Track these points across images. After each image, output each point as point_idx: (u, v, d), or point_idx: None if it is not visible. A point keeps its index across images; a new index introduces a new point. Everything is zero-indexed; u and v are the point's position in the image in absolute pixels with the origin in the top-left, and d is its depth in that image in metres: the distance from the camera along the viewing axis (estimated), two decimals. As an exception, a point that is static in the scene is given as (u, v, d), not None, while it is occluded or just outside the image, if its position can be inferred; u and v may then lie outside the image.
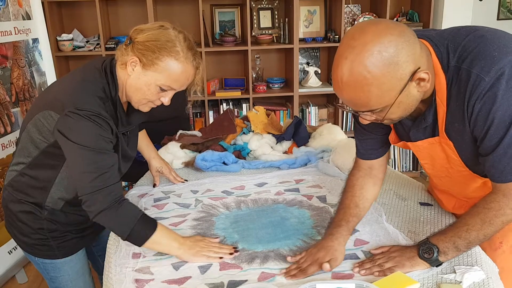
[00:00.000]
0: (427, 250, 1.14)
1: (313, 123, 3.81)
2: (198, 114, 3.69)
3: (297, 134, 2.04)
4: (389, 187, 1.68)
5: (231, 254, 1.27)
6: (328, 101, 3.97)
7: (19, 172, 1.36)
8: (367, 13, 3.72)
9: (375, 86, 0.95)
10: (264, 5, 3.70)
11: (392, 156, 3.93)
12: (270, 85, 3.75)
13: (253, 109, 2.19)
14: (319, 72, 3.84)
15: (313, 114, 3.81)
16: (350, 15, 3.75)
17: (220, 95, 3.61)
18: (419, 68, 0.97)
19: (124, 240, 1.25)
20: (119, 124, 1.31)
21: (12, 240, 1.66)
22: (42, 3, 3.12)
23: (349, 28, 3.67)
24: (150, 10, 3.37)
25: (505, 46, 1.01)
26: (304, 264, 1.20)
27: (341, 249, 1.23)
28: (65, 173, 1.33)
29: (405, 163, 3.99)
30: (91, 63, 1.33)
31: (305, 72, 3.82)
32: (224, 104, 3.68)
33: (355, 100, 1.00)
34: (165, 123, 3.00)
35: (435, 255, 1.13)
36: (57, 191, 1.36)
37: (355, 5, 3.75)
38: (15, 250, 2.51)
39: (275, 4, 3.71)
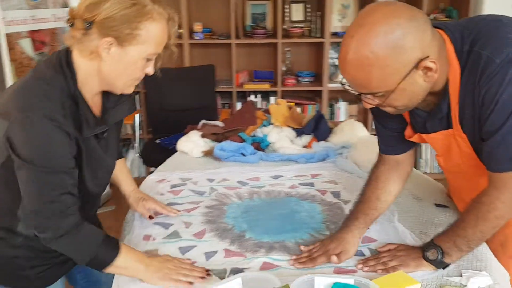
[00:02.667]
0: (431, 252, 1.12)
1: (342, 119, 3.77)
2: (226, 105, 3.73)
3: (318, 128, 2.04)
4: (406, 186, 1.65)
5: (202, 278, 1.12)
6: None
7: None
8: (402, 9, 3.63)
9: (377, 67, 0.93)
10: (297, -2, 3.68)
11: (424, 156, 3.85)
12: (300, 79, 3.74)
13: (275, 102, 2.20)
14: (350, 67, 3.79)
15: (342, 110, 3.77)
16: (385, 10, 3.67)
17: (248, 87, 3.63)
18: (427, 57, 0.95)
19: (85, 264, 1.10)
20: (84, 126, 1.06)
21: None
22: (80, -9, 3.22)
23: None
24: (183, 1, 3.42)
25: None
26: (315, 254, 1.20)
27: (354, 242, 1.23)
28: None
29: (436, 164, 3.89)
30: (46, 59, 1.11)
31: (336, 67, 3.78)
32: (252, 96, 3.69)
33: (356, 80, 0.99)
34: (192, 112, 3.07)
35: (439, 256, 1.11)
36: None
37: None
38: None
39: (309, -3, 3.68)
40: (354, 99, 3.91)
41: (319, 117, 2.04)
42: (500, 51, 0.95)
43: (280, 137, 2.02)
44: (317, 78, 3.78)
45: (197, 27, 3.55)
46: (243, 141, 2.00)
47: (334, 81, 3.69)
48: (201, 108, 3.24)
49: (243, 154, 1.93)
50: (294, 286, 1.02)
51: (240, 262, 1.20)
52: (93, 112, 1.11)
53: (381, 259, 1.17)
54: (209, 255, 1.25)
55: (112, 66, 1.05)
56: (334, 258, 1.17)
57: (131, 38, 1.02)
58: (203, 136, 2.01)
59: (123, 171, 1.47)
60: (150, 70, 1.10)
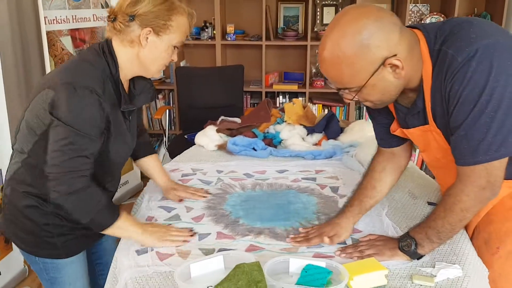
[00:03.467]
0: (406, 242, 1.18)
1: (369, 121, 3.78)
2: (256, 104, 3.83)
3: (329, 127, 2.10)
4: (405, 184, 1.69)
5: (191, 236, 1.33)
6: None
7: (20, 163, 1.29)
8: (435, 13, 3.61)
9: (346, 65, 1.02)
10: (329, 1, 3.73)
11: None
12: (328, 81, 3.79)
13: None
14: (380, 71, 3.79)
15: (370, 113, 3.78)
16: (418, 14, 3.66)
17: (277, 87, 3.72)
18: (394, 55, 1.02)
19: (84, 223, 1.24)
20: (122, 102, 1.28)
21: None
22: (121, -7, 3.43)
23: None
24: (217, 3, 3.56)
25: (486, 31, 1.03)
26: (310, 235, 1.31)
27: (347, 226, 1.32)
28: None
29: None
30: (89, 47, 1.31)
31: (366, 71, 3.80)
32: (281, 97, 3.78)
33: (331, 77, 1.08)
34: (220, 110, 3.19)
35: (413, 247, 1.16)
36: None
37: (423, 4, 3.65)
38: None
39: (340, 1, 3.73)
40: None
41: (330, 116, 2.10)
42: (463, 50, 1.00)
43: (292, 134, 2.10)
44: (346, 80, 3.81)
45: (230, 28, 3.68)
46: (255, 136, 2.10)
47: (363, 84, 3.72)
48: (229, 106, 3.36)
49: (254, 149, 2.03)
50: (270, 265, 1.10)
51: (228, 244, 1.30)
52: (127, 95, 1.32)
53: (358, 247, 1.24)
54: (202, 236, 1.35)
55: (149, 52, 1.27)
56: (326, 239, 1.28)
57: (165, 28, 1.25)
58: (218, 131, 2.13)
59: (156, 165, 1.63)
60: (175, 57, 1.33)
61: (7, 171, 1.36)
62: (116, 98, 1.27)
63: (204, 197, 1.60)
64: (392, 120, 1.32)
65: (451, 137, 1.09)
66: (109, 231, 1.27)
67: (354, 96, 1.10)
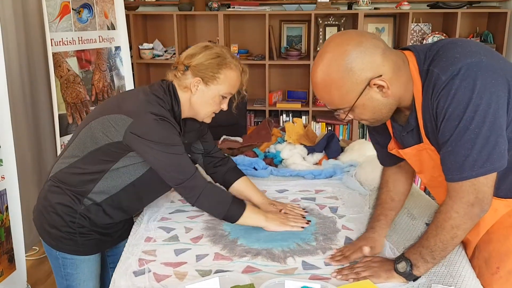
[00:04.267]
0: (401, 264, 1.18)
1: (373, 140, 3.78)
2: (259, 122, 3.86)
3: (329, 147, 2.11)
4: (405, 204, 1.68)
5: (307, 223, 1.52)
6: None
7: (70, 164, 1.46)
8: (437, 32, 3.64)
9: (335, 88, 1.09)
10: (331, 21, 3.78)
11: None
12: (332, 100, 3.81)
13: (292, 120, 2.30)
14: (383, 89, 3.81)
15: (374, 131, 3.78)
16: (420, 34, 3.69)
17: (280, 106, 3.75)
18: (379, 76, 1.07)
19: (220, 219, 1.49)
20: (180, 136, 1.45)
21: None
22: (127, 15, 3.51)
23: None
24: (221, 24, 3.62)
25: (470, 51, 1.07)
26: (347, 252, 1.34)
27: (381, 240, 1.38)
28: (116, 169, 1.44)
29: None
30: (155, 83, 1.51)
31: (369, 89, 3.82)
32: (284, 115, 3.81)
33: (324, 100, 1.16)
34: (223, 129, 3.22)
35: (408, 269, 1.16)
36: (104, 183, 1.45)
37: (425, 24, 3.69)
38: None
39: (342, 21, 3.77)
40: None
41: (330, 136, 2.12)
42: (447, 69, 1.05)
43: (292, 153, 2.11)
44: (349, 99, 3.83)
45: (234, 48, 3.73)
46: (256, 156, 2.11)
47: (366, 103, 3.74)
48: (232, 125, 3.39)
49: (255, 169, 2.04)
50: (265, 286, 1.11)
51: (226, 265, 1.31)
52: (181, 129, 1.51)
53: (354, 269, 1.24)
54: (200, 257, 1.36)
55: (198, 99, 1.47)
56: (366, 248, 1.30)
57: (213, 79, 1.44)
58: (219, 150, 2.14)
59: (250, 185, 1.71)
60: (224, 106, 1.51)
61: (51, 169, 1.53)
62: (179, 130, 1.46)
63: (303, 216, 1.60)
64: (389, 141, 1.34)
65: (440, 153, 1.12)
66: (240, 221, 1.47)
67: (347, 115, 1.15)
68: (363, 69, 1.07)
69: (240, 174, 1.72)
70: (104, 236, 1.56)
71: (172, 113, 1.45)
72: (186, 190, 1.42)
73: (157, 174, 1.43)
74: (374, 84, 1.08)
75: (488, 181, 1.07)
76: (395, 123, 1.26)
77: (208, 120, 1.55)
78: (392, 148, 1.33)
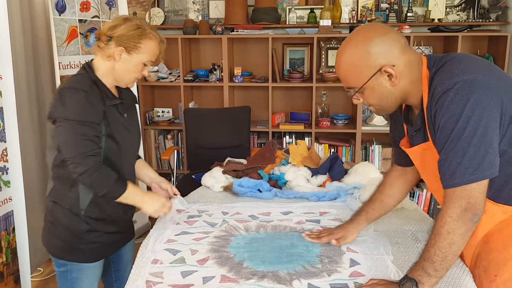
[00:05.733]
0: (406, 285, 1.19)
1: (375, 162, 3.81)
2: (263, 144, 3.89)
3: (333, 169, 2.14)
4: (408, 227, 1.71)
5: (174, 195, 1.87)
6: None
7: (53, 180, 1.65)
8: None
9: (352, 68, 1.24)
10: (333, 44, 3.84)
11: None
12: (335, 121, 3.85)
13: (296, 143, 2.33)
14: (386, 111, 3.85)
15: (376, 153, 3.81)
16: (421, 56, 3.74)
17: (283, 127, 3.79)
18: (392, 65, 1.20)
19: (101, 195, 1.57)
20: (105, 97, 1.59)
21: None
22: (133, 39, 3.57)
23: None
24: (225, 47, 3.69)
25: (469, 68, 1.15)
26: (321, 235, 1.57)
27: (353, 231, 1.56)
28: None
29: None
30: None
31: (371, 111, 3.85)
32: (287, 137, 3.84)
33: (341, 77, 1.29)
34: (228, 150, 3.25)
35: None
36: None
37: (426, 46, 3.75)
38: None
39: (344, 44, 3.83)
40: (390, 143, 3.94)
41: (334, 158, 2.14)
42: (444, 82, 1.16)
43: (297, 175, 2.13)
44: (352, 120, 3.87)
45: (237, 71, 3.79)
46: (261, 178, 2.13)
47: (368, 124, 3.77)
48: (236, 147, 3.42)
49: (259, 191, 2.06)
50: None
51: (233, 287, 1.32)
52: (112, 93, 1.64)
53: None
54: (206, 279, 1.37)
55: (122, 66, 1.60)
56: (333, 241, 1.53)
57: (135, 48, 1.58)
58: (224, 172, 2.17)
59: (141, 167, 1.90)
60: (146, 72, 1.66)
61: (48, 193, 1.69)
62: (100, 95, 1.58)
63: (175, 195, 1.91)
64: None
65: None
66: (121, 199, 1.60)
67: (356, 93, 1.27)
68: (379, 56, 1.20)
69: (137, 157, 1.89)
70: (108, 239, 1.73)
71: (91, 82, 1.57)
72: (74, 164, 1.51)
73: (120, 133, 1.62)
74: (385, 71, 1.20)
75: (480, 187, 1.13)
76: (406, 122, 1.37)
77: (131, 86, 1.71)
78: (403, 144, 1.44)
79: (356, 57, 1.22)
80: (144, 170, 1.92)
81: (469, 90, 1.11)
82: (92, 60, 1.65)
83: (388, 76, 1.22)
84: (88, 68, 1.61)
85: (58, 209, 1.65)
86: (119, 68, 1.59)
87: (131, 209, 1.77)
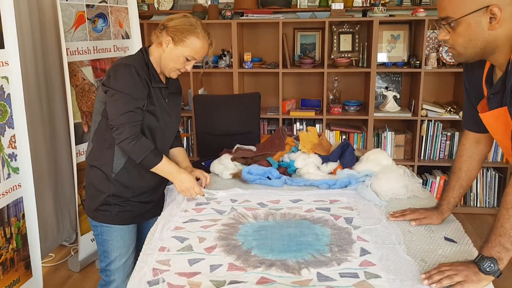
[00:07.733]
0: (487, 264, 1.17)
1: (388, 149, 3.75)
2: (273, 131, 3.85)
3: (344, 156, 2.09)
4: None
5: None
6: (408, 127, 3.88)
7: (92, 143, 1.85)
8: (453, 39, 3.59)
9: None
10: (345, 29, 3.76)
11: (474, 191, 3.71)
12: (346, 108, 3.79)
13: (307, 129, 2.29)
14: (398, 97, 3.78)
15: (389, 139, 3.75)
16: (436, 41, 3.66)
17: (294, 114, 3.74)
18: (500, 9, 1.13)
19: (138, 163, 1.74)
20: (152, 79, 1.78)
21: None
22: (142, 24, 3.54)
23: (432, 53, 3.59)
24: (235, 32, 3.63)
25: None
26: (406, 212, 1.60)
27: (437, 215, 1.57)
28: None
29: (488, 198, 3.73)
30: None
31: (384, 96, 3.79)
32: (298, 123, 3.79)
33: (442, 2, 1.24)
34: (237, 137, 3.22)
35: (495, 267, 1.16)
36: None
37: (441, 31, 3.65)
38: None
39: (357, 28, 3.76)
40: (403, 129, 3.87)
41: (345, 145, 2.09)
42: None
43: (307, 163, 2.09)
44: (364, 107, 3.81)
45: (247, 56, 3.74)
46: (270, 165, 2.10)
47: (381, 111, 3.71)
48: (246, 133, 3.39)
49: (269, 178, 2.03)
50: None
51: (240, 276, 1.30)
52: (159, 77, 1.84)
53: (444, 272, 1.21)
54: (214, 267, 1.35)
55: (167, 55, 1.77)
56: (413, 222, 1.56)
57: (181, 41, 1.74)
58: (233, 159, 2.14)
59: (180, 155, 2.05)
60: (188, 68, 1.81)
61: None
62: (149, 76, 1.77)
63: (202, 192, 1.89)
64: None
65: None
66: (154, 169, 1.76)
67: (447, 25, 1.22)
68: None
69: (178, 144, 2.06)
70: (137, 208, 1.89)
71: (144, 64, 1.77)
72: (118, 131, 1.69)
73: (160, 114, 1.82)
74: (491, 11, 1.14)
75: None
76: (488, 83, 1.31)
77: (173, 75, 1.83)
78: (480, 108, 1.36)
79: None
80: (180, 158, 2.04)
81: None
82: (149, 46, 1.83)
83: (490, 18, 1.15)
84: (144, 51, 1.80)
85: (92, 172, 1.85)
86: (164, 56, 1.76)
87: (161, 186, 1.94)
